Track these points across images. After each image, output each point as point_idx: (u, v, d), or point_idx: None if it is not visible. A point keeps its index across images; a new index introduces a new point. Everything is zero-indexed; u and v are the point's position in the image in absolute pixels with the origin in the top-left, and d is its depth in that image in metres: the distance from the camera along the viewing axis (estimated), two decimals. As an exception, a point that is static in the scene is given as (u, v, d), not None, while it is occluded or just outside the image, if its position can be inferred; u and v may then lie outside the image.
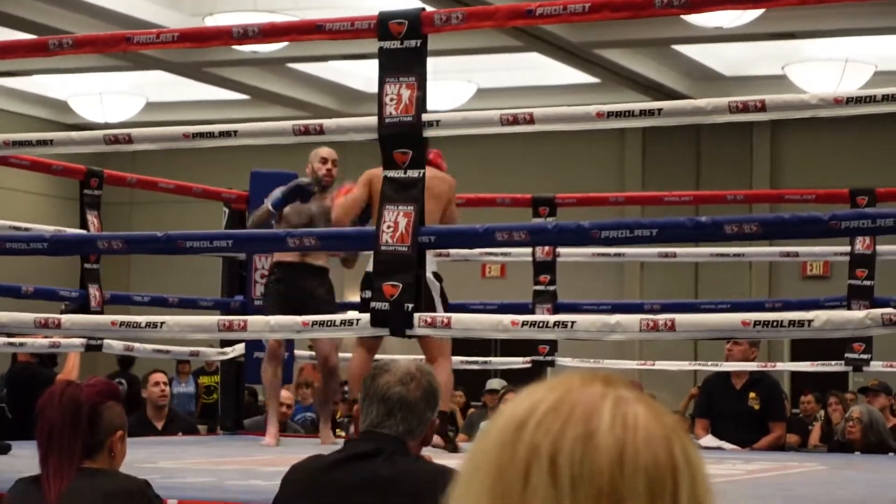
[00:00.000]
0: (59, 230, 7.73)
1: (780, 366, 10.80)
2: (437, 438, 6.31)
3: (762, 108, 4.50)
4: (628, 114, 4.71)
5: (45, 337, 7.35)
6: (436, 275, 6.41)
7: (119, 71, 15.13)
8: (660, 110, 4.67)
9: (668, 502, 1.04)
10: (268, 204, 7.05)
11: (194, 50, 13.27)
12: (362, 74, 14.99)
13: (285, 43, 12.10)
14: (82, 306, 7.30)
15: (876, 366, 7.84)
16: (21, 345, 7.49)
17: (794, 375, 13.69)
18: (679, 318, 4.46)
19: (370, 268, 5.11)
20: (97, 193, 7.56)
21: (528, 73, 15.06)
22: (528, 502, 1.03)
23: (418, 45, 4.72)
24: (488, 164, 16.04)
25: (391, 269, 4.67)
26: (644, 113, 4.66)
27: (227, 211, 8.52)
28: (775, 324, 4.31)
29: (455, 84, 14.33)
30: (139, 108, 15.90)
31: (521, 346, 8.32)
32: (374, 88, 4.80)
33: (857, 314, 4.47)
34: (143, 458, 5.30)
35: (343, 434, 7.23)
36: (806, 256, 9.97)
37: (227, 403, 8.66)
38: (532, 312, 7.91)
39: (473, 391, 12.52)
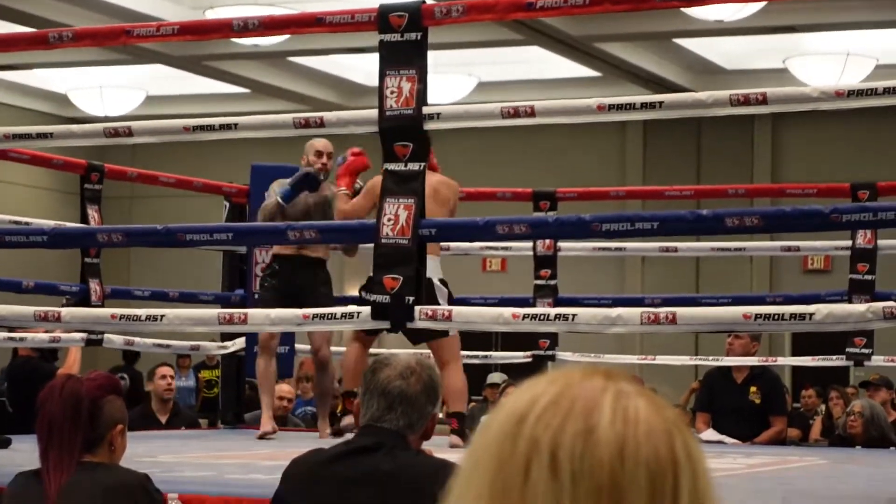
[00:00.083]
0: (59, 224, 7.73)
1: (781, 360, 10.80)
2: (455, 439, 6.31)
3: (763, 100, 4.49)
4: (629, 107, 4.70)
5: (46, 332, 7.36)
6: (443, 282, 6.40)
7: (119, 65, 15.12)
8: (661, 103, 4.67)
9: (669, 497, 1.03)
10: (276, 197, 7.00)
11: (194, 43, 13.28)
12: (363, 68, 14.98)
13: (286, 36, 12.09)
14: (83, 301, 7.30)
15: (877, 360, 7.83)
16: (22, 339, 7.49)
17: (796, 370, 13.69)
18: (680, 311, 4.46)
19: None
20: (98, 188, 7.55)
21: (529, 66, 15.05)
22: (528, 497, 1.03)
23: (419, 37, 4.71)
24: (489, 158, 16.03)
25: (392, 261, 4.67)
26: (645, 106, 4.65)
27: (227, 205, 8.51)
28: (776, 317, 4.30)
29: (456, 78, 14.32)
30: (139, 102, 15.90)
31: (522, 341, 8.32)
32: (375, 82, 4.79)
33: (859, 308, 4.46)
34: (143, 452, 5.29)
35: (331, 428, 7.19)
36: (807, 251, 9.96)
37: (228, 397, 8.66)
38: (533, 306, 7.90)
39: (474, 385, 12.51)
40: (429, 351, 6.38)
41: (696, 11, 11.78)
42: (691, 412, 9.15)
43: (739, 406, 8.19)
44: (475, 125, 5.04)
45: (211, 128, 5.18)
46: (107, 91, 15.70)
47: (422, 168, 4.73)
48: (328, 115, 5.08)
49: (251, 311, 5.42)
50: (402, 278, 4.64)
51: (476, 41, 13.36)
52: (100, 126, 5.52)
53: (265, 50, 13.97)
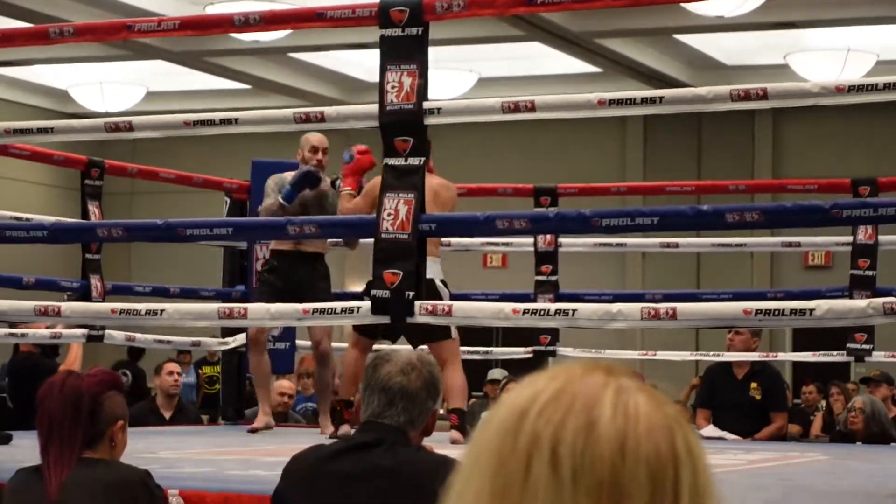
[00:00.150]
0: (59, 220, 7.72)
1: (781, 356, 10.79)
2: (456, 435, 6.30)
3: (764, 96, 4.49)
4: (630, 101, 4.70)
5: (47, 327, 7.36)
6: (444, 283, 6.40)
7: (119, 60, 15.11)
8: (661, 98, 4.67)
9: (669, 493, 1.03)
10: (278, 199, 6.99)
11: (195, 39, 13.26)
12: (364, 64, 14.97)
13: (286, 32, 12.08)
14: (84, 297, 7.30)
15: (878, 356, 7.83)
16: (23, 335, 7.49)
17: (796, 365, 13.68)
18: (680, 306, 4.46)
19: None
20: (98, 184, 7.55)
21: (529, 62, 15.04)
22: (529, 493, 1.02)
23: (419, 32, 4.71)
24: (489, 154, 16.03)
25: (392, 256, 4.67)
26: (646, 101, 4.65)
27: (228, 201, 8.50)
28: (777, 313, 4.30)
29: (456, 74, 14.31)
30: (139, 98, 15.89)
31: (523, 336, 8.32)
32: (376, 78, 4.79)
33: (859, 303, 4.46)
34: (143, 448, 5.29)
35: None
36: (808, 246, 9.97)
37: (229, 393, 8.67)
38: (534, 302, 7.90)
39: (475, 382, 12.51)
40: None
41: (696, 7, 11.78)
42: (692, 408, 9.15)
43: (740, 402, 8.19)
44: (476, 120, 5.04)
45: (211, 122, 5.18)
46: (107, 87, 15.70)
47: (422, 163, 4.73)
48: (329, 110, 5.08)
49: (251, 306, 5.41)
50: (402, 273, 4.64)
51: (476, 37, 13.35)
52: (100, 121, 5.52)
53: (266, 45, 13.97)
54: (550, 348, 8.34)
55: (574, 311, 4.60)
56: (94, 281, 7.39)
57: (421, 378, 3.16)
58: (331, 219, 6.27)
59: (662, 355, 9.32)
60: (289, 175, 7.17)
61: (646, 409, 1.05)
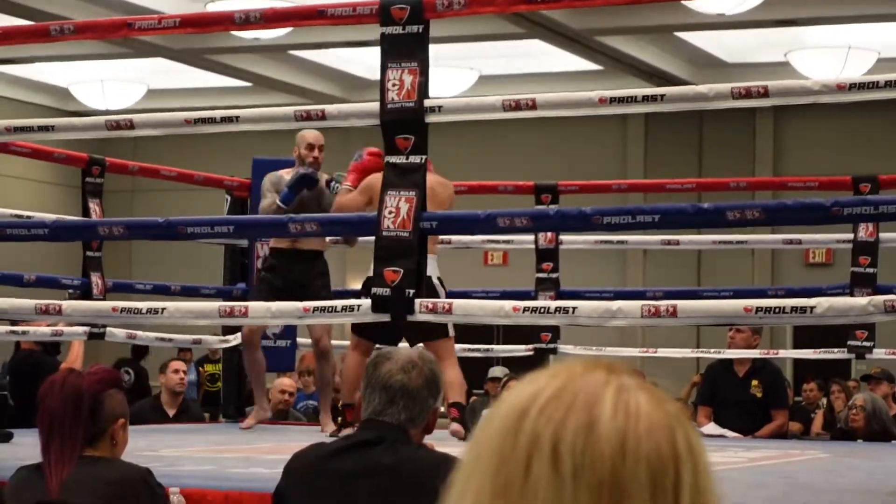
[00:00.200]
0: (60, 218, 7.72)
1: (782, 353, 10.77)
2: (456, 426, 6.30)
3: (765, 93, 4.48)
4: (631, 99, 4.69)
5: (49, 325, 7.36)
6: (440, 281, 6.41)
7: (120, 58, 15.11)
8: (662, 96, 4.67)
9: (670, 491, 1.03)
10: (276, 201, 6.98)
11: (195, 37, 13.26)
12: (365, 62, 14.95)
13: (287, 30, 12.08)
14: (85, 295, 7.30)
15: (879, 353, 7.82)
16: (24, 333, 7.49)
17: (797, 363, 13.68)
18: (681, 304, 4.46)
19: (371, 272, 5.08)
20: (99, 181, 7.55)
21: (530, 60, 15.03)
22: (529, 491, 1.02)
23: (420, 30, 4.71)
24: (490, 152, 16.02)
25: (392, 254, 4.67)
26: (647, 99, 4.65)
27: (228, 198, 8.50)
28: (778, 310, 4.30)
29: (457, 71, 14.31)
30: (140, 96, 15.89)
31: (524, 334, 8.31)
32: (377, 76, 4.79)
33: (860, 301, 4.45)
34: (145, 446, 5.29)
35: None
36: (809, 244, 9.96)
37: (229, 391, 8.68)
38: (535, 300, 7.90)
39: (475, 379, 12.52)
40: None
41: (697, 4, 11.77)
42: (693, 406, 9.15)
43: (741, 399, 8.19)
44: (477, 118, 5.04)
45: (212, 120, 5.18)
46: (108, 85, 15.69)
47: (423, 161, 4.72)
48: (330, 108, 5.08)
49: (252, 305, 5.41)
50: (402, 271, 4.64)
51: (477, 35, 13.34)
52: (101, 119, 5.52)
53: (266, 43, 13.95)
54: (551, 346, 8.34)
55: (575, 308, 4.60)
56: (95, 279, 7.39)
57: (422, 376, 3.16)
58: (332, 217, 6.27)
59: (663, 353, 9.32)
60: (284, 172, 7.16)
61: (647, 407, 1.05)
